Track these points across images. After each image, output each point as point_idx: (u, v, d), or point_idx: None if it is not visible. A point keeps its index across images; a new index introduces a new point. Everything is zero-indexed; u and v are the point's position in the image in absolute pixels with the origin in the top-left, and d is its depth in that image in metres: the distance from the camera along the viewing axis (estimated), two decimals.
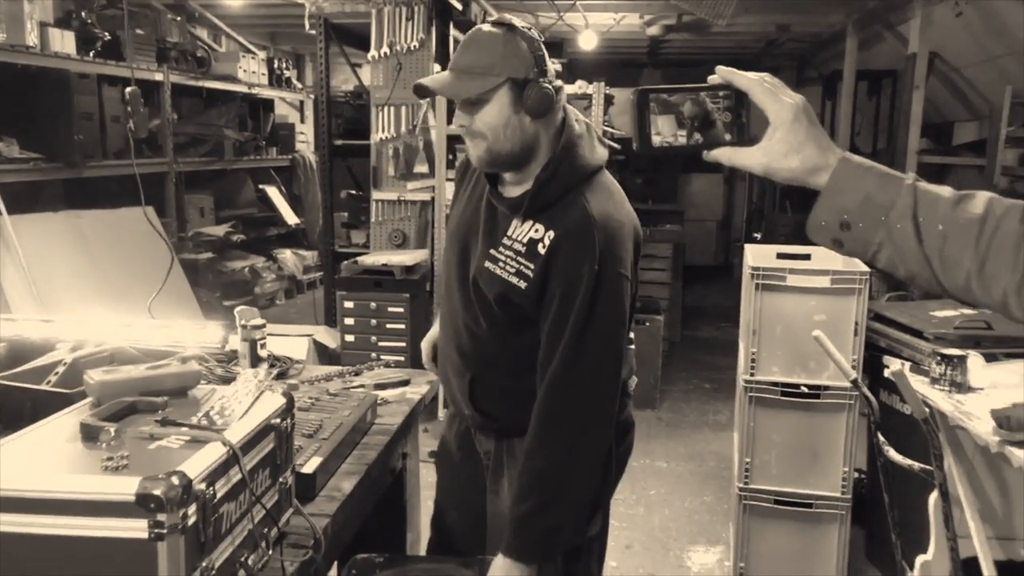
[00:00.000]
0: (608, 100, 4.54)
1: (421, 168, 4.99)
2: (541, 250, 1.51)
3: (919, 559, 2.58)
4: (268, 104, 8.55)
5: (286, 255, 8.41)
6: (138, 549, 0.95)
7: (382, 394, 2.02)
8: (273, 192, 8.57)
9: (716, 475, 4.00)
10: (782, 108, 0.88)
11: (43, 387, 1.78)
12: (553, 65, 1.60)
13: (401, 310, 4.49)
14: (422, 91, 1.51)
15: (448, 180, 4.71)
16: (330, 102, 5.50)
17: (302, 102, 9.40)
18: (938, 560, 2.58)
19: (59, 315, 2.25)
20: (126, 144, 5.70)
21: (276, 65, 8.32)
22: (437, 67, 4.93)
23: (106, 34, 5.41)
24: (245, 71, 7.47)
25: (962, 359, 2.40)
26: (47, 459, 1.05)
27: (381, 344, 4.49)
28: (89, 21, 5.38)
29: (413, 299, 4.52)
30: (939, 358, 2.42)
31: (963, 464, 2.49)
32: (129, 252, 5.23)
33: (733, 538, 3.04)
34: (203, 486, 1.01)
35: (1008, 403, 2.09)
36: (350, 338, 4.56)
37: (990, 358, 2.58)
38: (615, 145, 4.58)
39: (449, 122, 4.65)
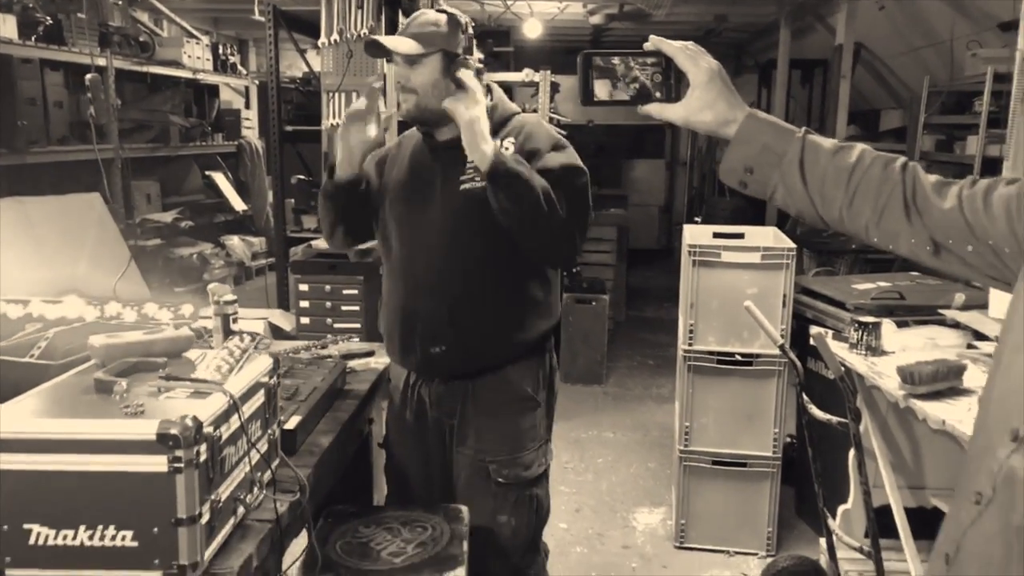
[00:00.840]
0: (554, 88, 4.71)
1: None
2: (508, 149, 1.81)
3: (840, 508, 2.85)
4: (213, 90, 8.51)
5: (234, 241, 8.41)
6: (159, 482, 1.10)
7: (350, 363, 2.16)
8: (220, 178, 8.54)
9: (659, 444, 4.24)
10: (700, 71, 1.06)
11: (28, 359, 1.89)
12: (478, 54, 1.92)
13: (356, 292, 4.59)
14: (375, 47, 1.80)
15: None
16: (280, 88, 5.55)
17: (247, 88, 9.36)
18: (857, 509, 2.85)
19: (31, 296, 2.33)
20: (69, 130, 5.67)
21: (220, 50, 8.28)
22: None
23: (48, 18, 5.36)
24: (190, 56, 7.43)
25: (876, 325, 2.65)
26: (69, 409, 1.18)
27: (336, 325, 4.59)
28: (30, 5, 5.33)
29: (367, 281, 4.64)
30: (856, 324, 2.67)
31: (877, 420, 2.75)
32: (78, 239, 5.22)
33: (675, 497, 3.27)
34: (211, 429, 1.16)
35: (914, 362, 2.34)
36: (305, 320, 4.65)
37: (902, 324, 2.84)
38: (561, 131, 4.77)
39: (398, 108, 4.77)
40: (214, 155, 8.47)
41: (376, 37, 1.82)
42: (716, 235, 3.43)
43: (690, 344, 3.09)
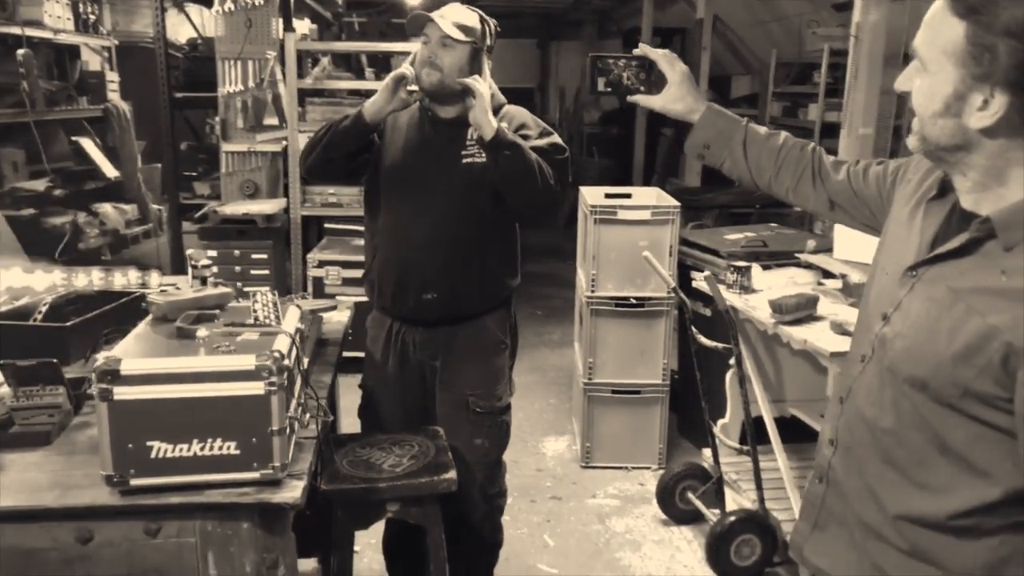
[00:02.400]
0: None
1: (271, 121, 5.22)
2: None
3: (719, 422, 3.42)
4: (74, 51, 8.15)
5: (106, 209, 8.15)
6: (258, 402, 1.41)
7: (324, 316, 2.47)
8: (88, 144, 8.23)
9: (556, 383, 4.73)
10: (676, 73, 1.47)
11: (35, 323, 2.09)
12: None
13: (265, 257, 4.79)
14: (422, 22, 2.10)
15: (302, 131, 5.01)
16: (168, 54, 5.54)
17: (110, 49, 8.99)
18: (732, 422, 3.43)
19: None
20: None
21: (81, 9, 7.93)
22: (281, 22, 5.17)
23: None
24: (51, 16, 7.12)
25: (748, 268, 3.21)
26: (168, 351, 1.46)
27: (246, 288, 4.77)
28: None
29: (276, 245, 4.84)
30: (732, 268, 3.22)
31: (748, 347, 3.32)
32: None
33: (580, 424, 3.76)
34: (287, 361, 1.47)
35: (780, 296, 2.90)
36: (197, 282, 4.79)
37: (766, 267, 3.42)
38: None
39: (299, 76, 4.94)
40: (80, 120, 8.15)
41: (428, 14, 2.08)
42: (608, 195, 3.90)
43: (592, 291, 3.57)
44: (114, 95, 8.81)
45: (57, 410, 1.69)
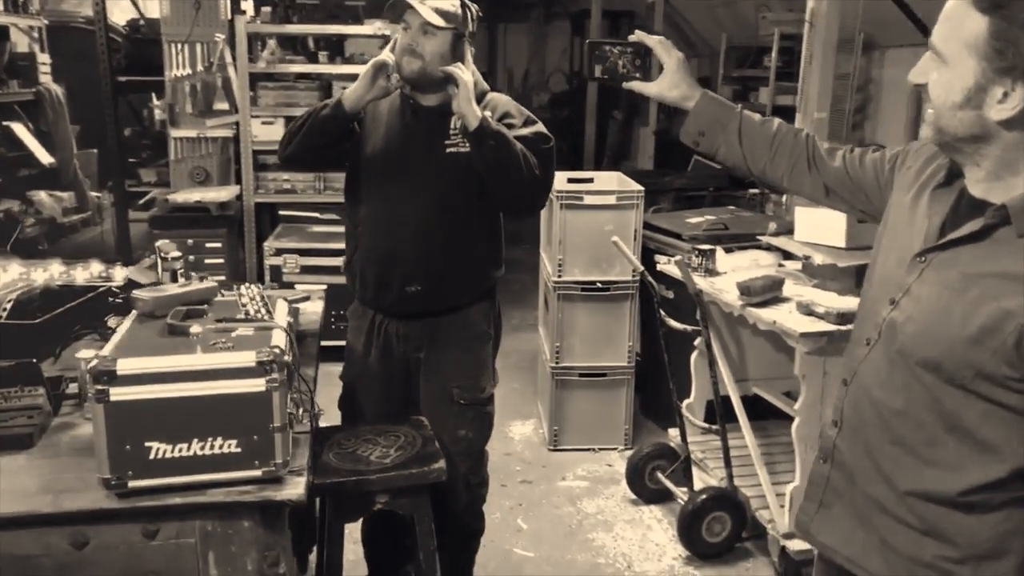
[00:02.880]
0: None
1: (221, 106, 5.08)
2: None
3: (685, 402, 3.48)
4: (2, 32, 7.79)
5: (42, 197, 7.86)
6: (259, 399, 1.39)
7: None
8: (20, 129, 7.89)
9: (519, 367, 4.75)
10: (672, 60, 1.48)
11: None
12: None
13: (219, 245, 4.68)
14: (399, 8, 2.06)
15: (254, 116, 4.90)
16: (109, 36, 5.34)
17: (40, 29, 8.61)
18: (697, 402, 3.49)
19: None
20: None
21: None
22: (229, 3, 5.03)
23: None
24: None
25: (712, 252, 3.26)
26: (163, 349, 1.42)
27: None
28: None
29: (230, 234, 4.73)
30: (696, 252, 3.27)
31: (714, 329, 3.38)
32: None
33: (548, 407, 3.79)
34: (287, 357, 1.45)
35: (746, 279, 2.96)
36: (167, 276, 4.66)
37: (729, 250, 3.49)
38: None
39: (250, 60, 4.82)
40: (11, 104, 7.80)
41: (408, 0, 2.03)
42: (570, 180, 3.92)
43: (559, 276, 3.59)
44: (46, 78, 8.45)
45: (37, 411, 1.64)
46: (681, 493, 3.19)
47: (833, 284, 2.97)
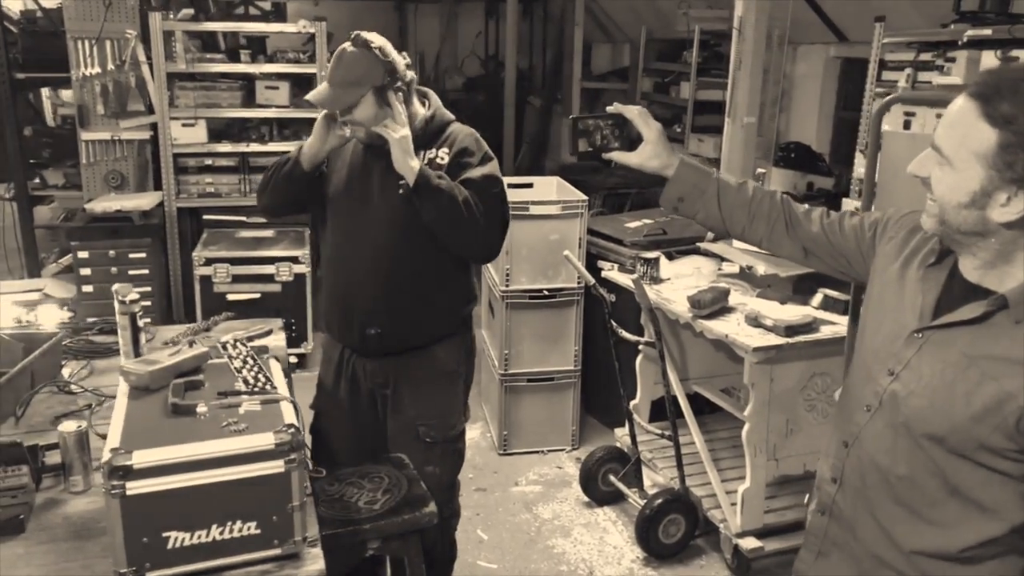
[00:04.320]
0: (330, 38, 4.82)
1: (136, 106, 4.85)
2: (442, 161, 2.15)
3: (631, 403, 3.60)
4: None
5: None
6: (278, 480, 1.38)
7: (265, 344, 2.38)
8: None
9: None
10: (651, 131, 1.53)
11: None
12: (404, 59, 2.15)
13: (144, 255, 4.49)
14: (310, 104, 2.07)
15: (173, 118, 4.70)
16: (4, 27, 4.99)
17: None
18: (642, 402, 3.62)
19: None
20: None
21: None
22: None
23: None
24: None
25: (656, 260, 3.37)
26: (173, 435, 1.39)
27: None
28: None
29: (155, 243, 4.54)
30: (641, 260, 3.37)
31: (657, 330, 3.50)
32: None
33: (497, 413, 3.84)
34: (302, 435, 1.44)
35: (694, 290, 3.08)
36: (88, 288, 4.46)
37: (669, 256, 3.61)
38: None
39: (166, 58, 4.61)
40: None
41: (309, 98, 2.05)
42: (509, 186, 3.94)
43: (507, 285, 3.63)
44: None
45: (21, 491, 1.57)
46: (632, 494, 3.31)
47: (774, 293, 3.13)
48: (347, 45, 2.07)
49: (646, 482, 3.41)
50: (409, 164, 2.02)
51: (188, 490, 1.34)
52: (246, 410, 1.48)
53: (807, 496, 2.07)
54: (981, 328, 1.18)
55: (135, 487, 1.31)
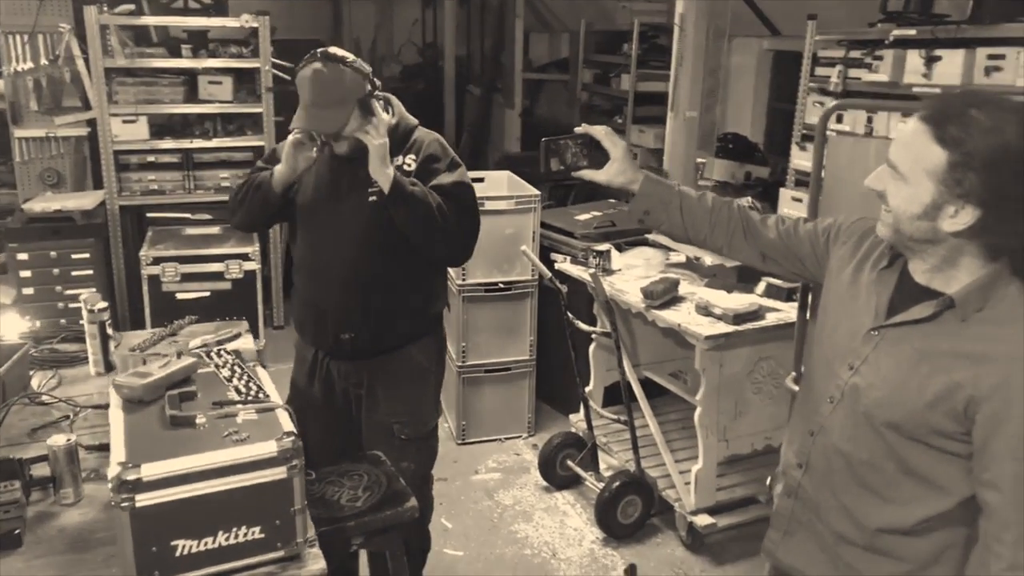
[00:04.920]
0: (273, 31, 4.78)
1: (71, 102, 4.74)
2: (409, 168, 2.19)
3: (586, 388, 3.73)
4: None
5: None
6: (281, 486, 1.43)
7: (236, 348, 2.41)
8: None
9: None
10: (617, 149, 1.63)
11: None
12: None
13: (87, 256, 4.41)
14: (312, 128, 2.09)
15: (113, 115, 4.60)
16: None
17: None
18: (595, 389, 3.75)
19: None
20: None
21: None
22: None
23: None
24: None
25: (608, 252, 3.49)
26: (175, 448, 1.43)
27: (68, 292, 4.39)
28: None
29: (99, 243, 4.46)
30: (593, 253, 3.49)
31: (610, 319, 3.63)
32: None
33: (455, 404, 3.92)
34: (300, 441, 1.50)
35: (647, 281, 3.21)
36: (28, 291, 4.36)
37: (619, 247, 3.73)
38: (285, 76, 4.90)
39: (104, 53, 4.51)
40: None
41: (298, 126, 2.06)
42: None
43: (463, 280, 3.70)
44: None
45: (14, 506, 1.59)
46: (590, 478, 3.44)
47: (720, 282, 3.28)
48: (318, 65, 2.06)
49: (602, 465, 3.55)
50: (385, 172, 2.07)
51: (195, 499, 1.39)
52: (244, 419, 1.53)
53: (769, 479, 2.22)
54: (931, 326, 1.32)
55: (144, 499, 1.35)
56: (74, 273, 4.40)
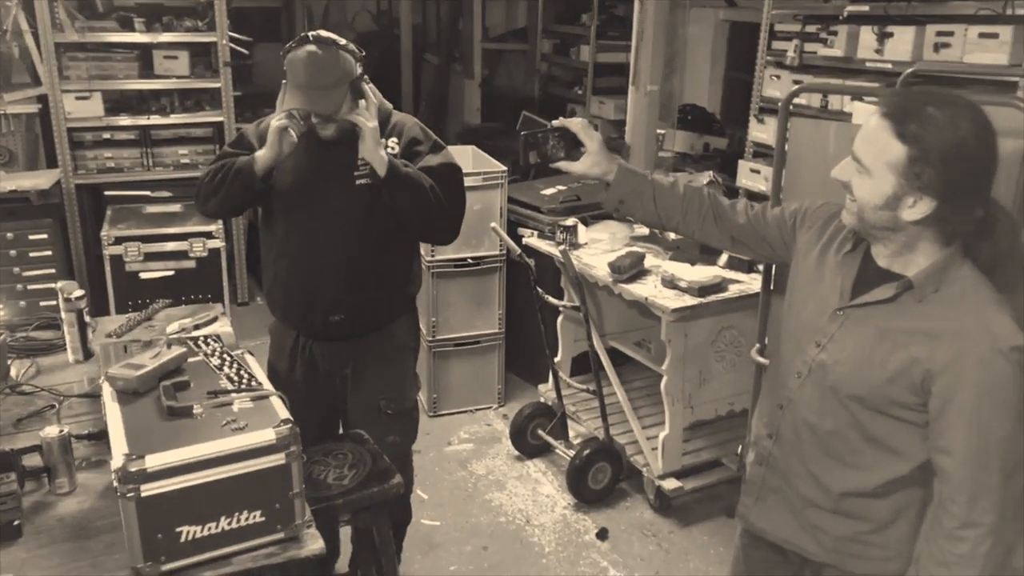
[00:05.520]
0: (230, 2, 4.71)
1: (20, 78, 4.61)
2: (393, 151, 2.21)
3: (556, 359, 3.82)
4: None
5: None
6: (280, 471, 1.49)
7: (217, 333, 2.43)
8: None
9: None
10: (593, 141, 1.69)
11: None
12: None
13: (45, 237, 4.34)
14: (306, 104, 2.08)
15: (65, 91, 4.50)
16: None
17: None
18: (563, 360, 3.84)
19: None
20: None
21: None
22: None
23: None
24: None
25: (574, 227, 3.56)
26: (175, 438, 1.47)
27: (27, 274, 4.32)
28: None
29: (55, 225, 4.38)
30: (560, 228, 3.56)
31: (578, 292, 3.71)
32: None
33: (426, 377, 3.98)
34: (297, 429, 1.55)
35: (612, 254, 3.29)
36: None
37: (584, 221, 3.80)
38: (243, 50, 4.83)
39: (53, 27, 4.39)
40: None
41: (295, 107, 2.06)
42: None
43: (433, 256, 3.74)
44: None
45: (10, 497, 1.62)
46: (560, 446, 3.55)
47: (684, 254, 3.38)
48: (312, 48, 2.07)
49: (570, 433, 3.66)
50: (380, 154, 2.09)
51: (198, 487, 1.44)
52: (239, 408, 1.57)
53: (740, 448, 2.33)
54: (892, 306, 1.42)
55: (149, 488, 1.39)
56: (32, 255, 4.33)
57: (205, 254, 4.46)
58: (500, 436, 3.86)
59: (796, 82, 3.83)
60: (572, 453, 3.39)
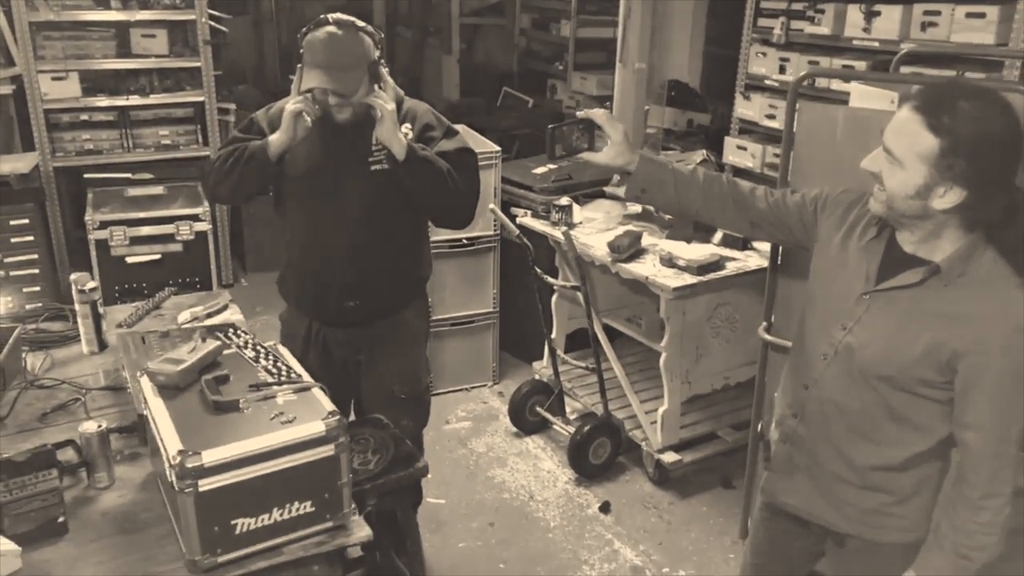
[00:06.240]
0: None
1: None
2: (408, 137, 2.19)
3: (552, 335, 3.87)
4: None
5: None
6: (330, 462, 1.52)
7: (233, 321, 2.44)
8: None
9: None
10: (616, 132, 1.73)
11: None
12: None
13: (27, 221, 4.26)
14: (326, 84, 2.05)
15: (41, 72, 4.39)
16: None
17: None
18: (558, 337, 3.90)
19: None
20: None
21: None
22: None
23: None
24: None
25: (569, 207, 3.60)
26: (226, 432, 1.49)
27: (8, 260, 4.24)
28: None
29: (36, 209, 4.30)
30: (555, 208, 3.59)
31: (572, 271, 3.76)
32: None
33: None
34: (344, 420, 1.58)
35: (608, 233, 3.34)
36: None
37: (577, 200, 3.84)
38: (222, 28, 4.75)
39: (27, 5, 4.27)
40: None
41: (313, 86, 2.03)
42: None
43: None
44: None
45: (52, 494, 1.63)
46: (558, 422, 3.62)
47: (680, 232, 3.44)
48: (332, 28, 2.06)
49: (567, 409, 3.73)
50: (398, 137, 2.08)
51: (253, 480, 1.46)
52: (284, 400, 1.60)
53: (759, 425, 2.41)
54: (918, 290, 1.49)
55: (206, 483, 1.42)
56: (14, 240, 4.25)
57: (192, 237, 4.41)
58: (497, 413, 3.92)
59: (783, 59, 3.90)
60: (571, 429, 3.46)
